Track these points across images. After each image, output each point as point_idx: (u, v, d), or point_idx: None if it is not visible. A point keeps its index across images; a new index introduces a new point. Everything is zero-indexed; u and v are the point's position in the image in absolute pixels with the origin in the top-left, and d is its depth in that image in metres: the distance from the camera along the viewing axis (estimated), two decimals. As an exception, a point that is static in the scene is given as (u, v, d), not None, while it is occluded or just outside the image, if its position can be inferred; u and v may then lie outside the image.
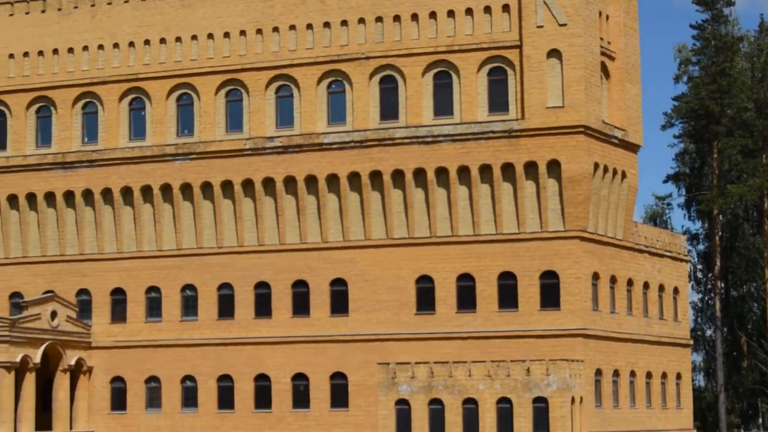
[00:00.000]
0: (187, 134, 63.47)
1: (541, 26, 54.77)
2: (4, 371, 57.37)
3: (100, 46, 65.05)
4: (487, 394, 51.98)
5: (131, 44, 65.02)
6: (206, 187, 61.99)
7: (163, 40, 64.05)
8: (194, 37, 63.39)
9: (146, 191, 63.41)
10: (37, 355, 59.28)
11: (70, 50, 65.95)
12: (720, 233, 77.76)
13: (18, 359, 57.92)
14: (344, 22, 59.80)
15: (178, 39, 63.92)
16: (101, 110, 65.44)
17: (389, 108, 58.66)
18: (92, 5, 66.30)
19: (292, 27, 61.23)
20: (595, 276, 55.98)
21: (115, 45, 65.01)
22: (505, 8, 55.97)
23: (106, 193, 64.36)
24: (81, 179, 64.88)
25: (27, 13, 67.44)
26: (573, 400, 51.04)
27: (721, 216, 77.20)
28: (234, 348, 60.25)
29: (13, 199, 67.07)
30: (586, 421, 52.43)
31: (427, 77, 57.79)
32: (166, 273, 62.74)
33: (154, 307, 62.63)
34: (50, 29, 67.07)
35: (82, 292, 64.07)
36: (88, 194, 64.59)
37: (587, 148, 54.74)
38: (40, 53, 66.45)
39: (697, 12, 78.61)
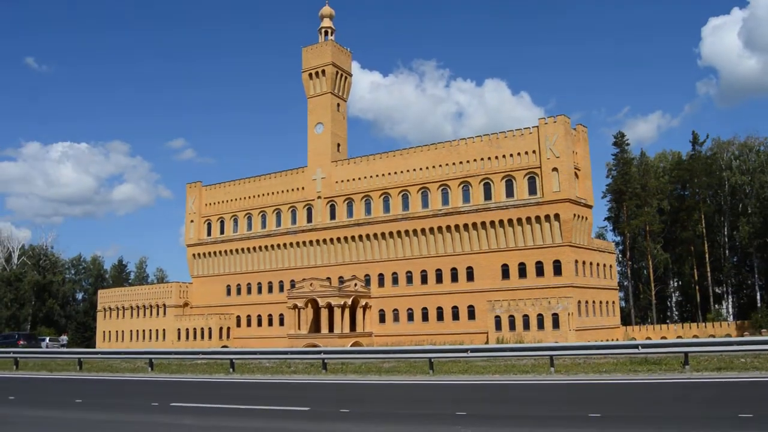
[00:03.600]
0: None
1: (549, 158, 62.44)
2: (337, 308, 66.10)
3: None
4: (532, 311, 58.37)
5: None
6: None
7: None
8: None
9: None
10: (349, 301, 67.31)
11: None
12: (628, 241, 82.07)
13: (342, 303, 66.40)
14: (467, 162, 67.12)
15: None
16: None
17: (487, 195, 66.13)
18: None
19: (450, 163, 69.20)
20: (576, 261, 62.17)
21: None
22: (534, 152, 63.30)
23: (382, 235, 72.18)
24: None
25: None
26: (569, 314, 58.22)
27: (628, 233, 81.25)
28: (427, 296, 66.76)
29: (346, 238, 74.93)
30: (574, 323, 58.42)
31: (502, 182, 64.89)
32: (399, 267, 69.58)
33: (396, 281, 69.69)
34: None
35: (367, 275, 71.41)
36: (378, 236, 72.01)
37: (571, 209, 61.96)
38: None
39: (614, 146, 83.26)
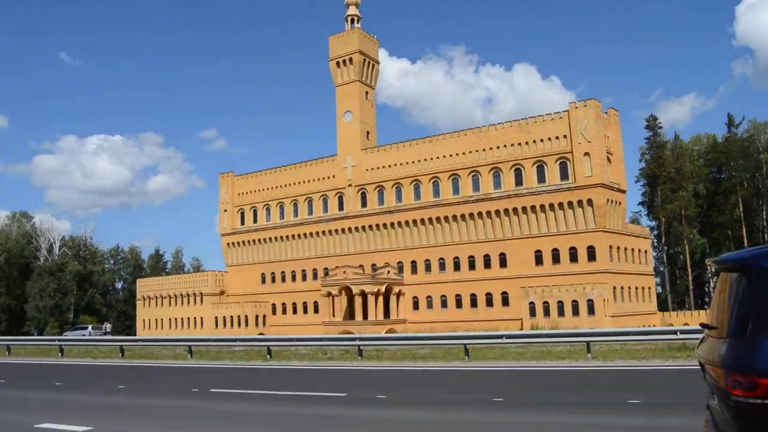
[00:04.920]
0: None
1: (580, 143, 61.89)
2: (371, 295, 65.96)
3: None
4: (566, 297, 58.49)
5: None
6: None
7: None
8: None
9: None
10: (383, 288, 67.88)
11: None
12: (663, 226, 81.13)
13: (375, 290, 67.02)
14: (498, 147, 67.06)
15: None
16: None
17: (518, 181, 66.72)
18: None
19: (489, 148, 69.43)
20: (610, 247, 61.85)
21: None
22: (565, 137, 62.86)
23: (414, 222, 72.73)
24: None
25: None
26: (604, 300, 57.87)
27: (663, 218, 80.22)
28: (460, 283, 66.99)
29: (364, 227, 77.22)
30: (610, 309, 57.81)
31: (534, 168, 64.53)
32: (431, 254, 69.66)
33: (428, 268, 69.96)
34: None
35: (399, 262, 71.78)
36: (409, 223, 72.70)
37: (603, 193, 61.51)
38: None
39: (646, 130, 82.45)
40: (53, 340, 34.20)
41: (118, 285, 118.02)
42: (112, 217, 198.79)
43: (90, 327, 63.30)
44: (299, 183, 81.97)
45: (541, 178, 65.31)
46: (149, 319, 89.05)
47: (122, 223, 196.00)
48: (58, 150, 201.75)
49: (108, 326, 62.82)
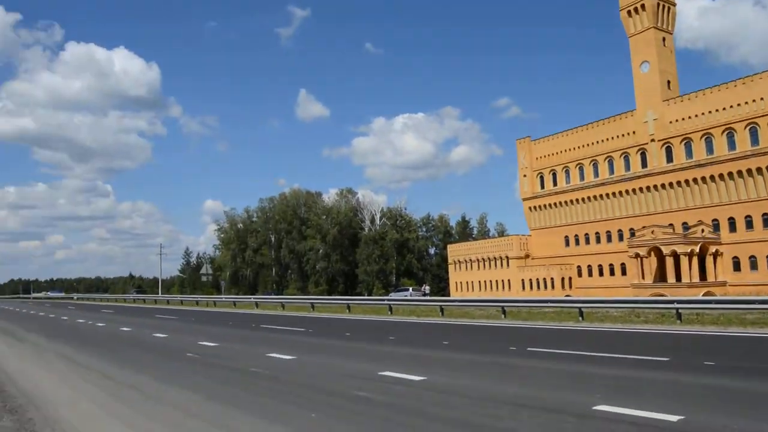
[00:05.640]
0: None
1: None
2: (684, 256, 61.40)
3: (763, 98, 62.20)
4: None
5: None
6: None
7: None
8: None
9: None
10: (696, 248, 61.81)
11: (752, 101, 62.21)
12: None
13: (688, 251, 60.96)
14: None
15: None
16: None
17: None
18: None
19: None
20: None
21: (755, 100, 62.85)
22: None
23: (729, 175, 64.76)
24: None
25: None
26: None
27: None
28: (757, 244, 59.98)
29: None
30: None
31: None
32: (753, 209, 61.86)
33: (750, 224, 62.00)
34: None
35: (714, 220, 64.93)
36: (724, 176, 65.46)
37: None
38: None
39: None
40: (383, 300, 37.98)
41: (431, 251, 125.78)
42: (421, 188, 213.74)
43: (411, 289, 69.34)
44: (597, 142, 78.58)
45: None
46: (460, 282, 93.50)
47: (430, 194, 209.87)
48: (371, 132, 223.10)
49: (426, 288, 68.02)
